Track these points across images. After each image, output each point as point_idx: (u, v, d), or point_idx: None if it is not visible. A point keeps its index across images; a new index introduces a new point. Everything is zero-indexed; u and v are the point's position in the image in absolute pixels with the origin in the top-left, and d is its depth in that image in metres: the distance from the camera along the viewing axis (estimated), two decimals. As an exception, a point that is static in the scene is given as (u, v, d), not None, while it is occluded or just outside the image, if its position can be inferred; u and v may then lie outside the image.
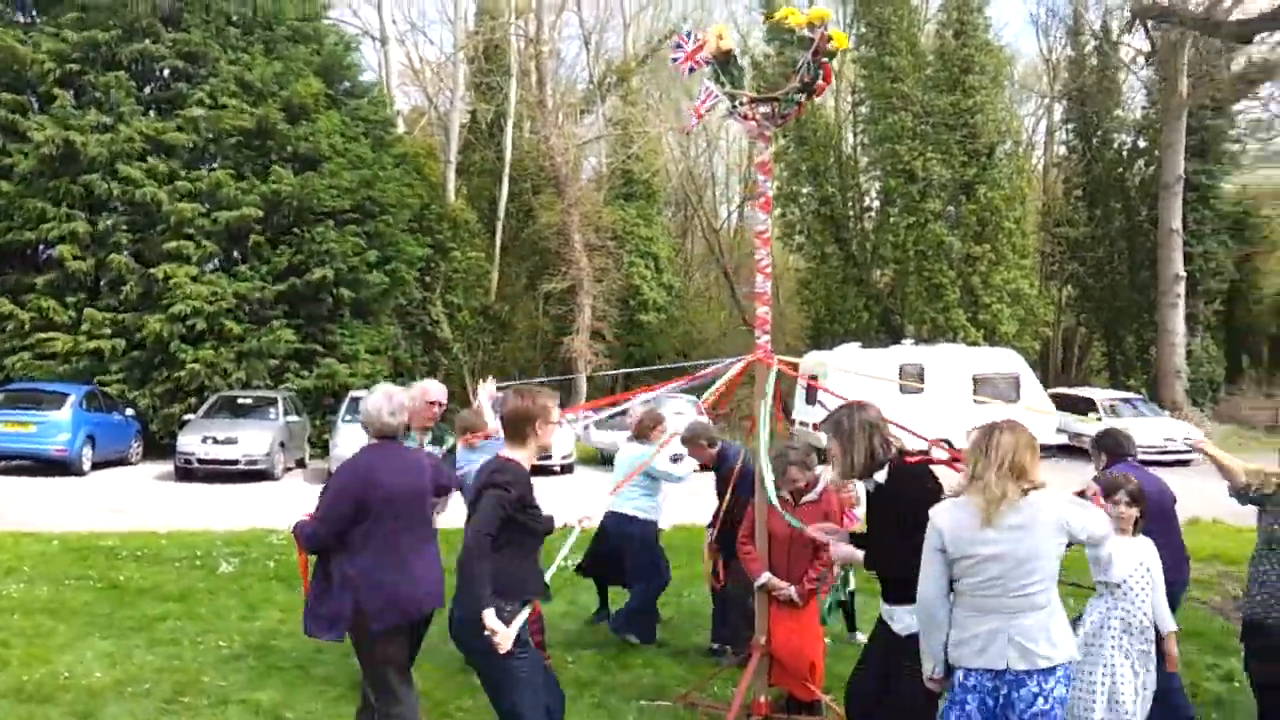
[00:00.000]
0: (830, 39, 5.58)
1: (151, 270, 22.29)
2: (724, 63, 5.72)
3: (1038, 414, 21.58)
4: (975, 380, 23.76)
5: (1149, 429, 22.87)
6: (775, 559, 5.79)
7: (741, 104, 5.73)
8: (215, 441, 18.94)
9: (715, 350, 32.43)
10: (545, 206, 32.72)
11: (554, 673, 4.69)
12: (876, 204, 35.49)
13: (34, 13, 24.47)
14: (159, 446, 21.53)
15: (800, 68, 5.62)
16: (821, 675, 5.73)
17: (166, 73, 24.45)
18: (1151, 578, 4.95)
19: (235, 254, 24.18)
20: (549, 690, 4.52)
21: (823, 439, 4.70)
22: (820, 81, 5.69)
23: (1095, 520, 4.20)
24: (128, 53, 23.26)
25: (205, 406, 20.76)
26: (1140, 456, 6.47)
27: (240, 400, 20.94)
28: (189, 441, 19.10)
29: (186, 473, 18.92)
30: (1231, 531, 11.79)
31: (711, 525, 7.41)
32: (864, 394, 5.44)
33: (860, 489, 4.87)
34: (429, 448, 6.20)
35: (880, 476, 4.46)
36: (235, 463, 18.76)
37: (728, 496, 7.01)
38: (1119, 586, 4.94)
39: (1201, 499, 10.84)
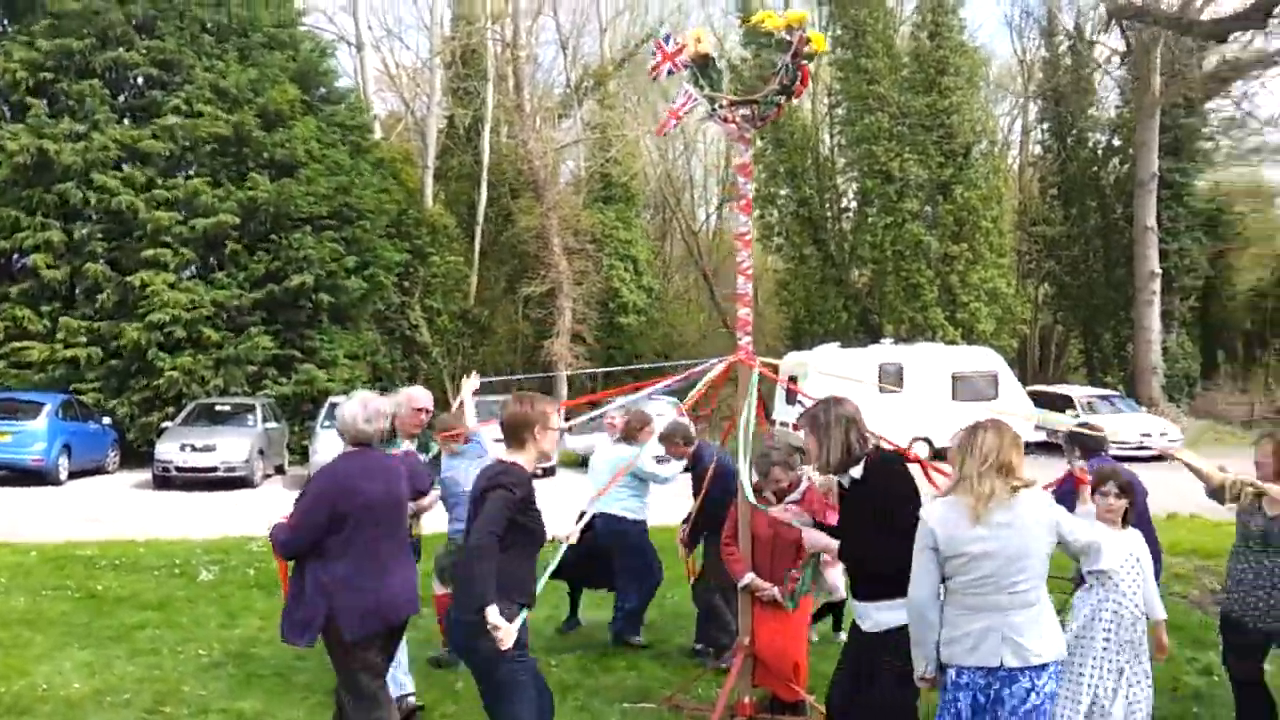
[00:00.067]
0: (808, 41, 5.60)
1: (128, 278, 22.17)
2: (703, 66, 5.72)
3: (1015, 414, 21.72)
4: (954, 379, 23.90)
5: (1127, 425, 23.06)
6: (758, 560, 5.80)
7: (721, 107, 5.74)
8: (193, 449, 18.85)
9: (695, 352, 32.46)
10: (524, 210, 32.68)
11: (542, 675, 4.69)
12: (854, 205, 35.61)
13: (5, 22, 24.33)
14: (136, 455, 21.41)
15: (779, 70, 5.63)
16: (805, 675, 5.74)
17: (141, 80, 24.31)
18: (1141, 568, 4.98)
19: (212, 261, 24.07)
20: (540, 693, 4.52)
21: (802, 436, 4.73)
22: (798, 84, 5.70)
23: (1085, 529, 4.27)
24: (101, 60, 23.13)
25: (183, 414, 20.65)
26: (1117, 452, 6.56)
27: (218, 407, 20.86)
28: (167, 449, 19.00)
29: (164, 481, 18.83)
30: (1209, 526, 11.88)
31: (685, 522, 7.43)
32: (843, 393, 5.44)
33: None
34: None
35: (856, 471, 4.46)
36: (214, 470, 18.68)
37: (701, 495, 7.04)
38: (1110, 579, 4.94)
39: (1179, 494, 10.90)
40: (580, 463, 20.80)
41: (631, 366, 26.56)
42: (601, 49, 39.17)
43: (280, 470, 21.16)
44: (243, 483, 18.85)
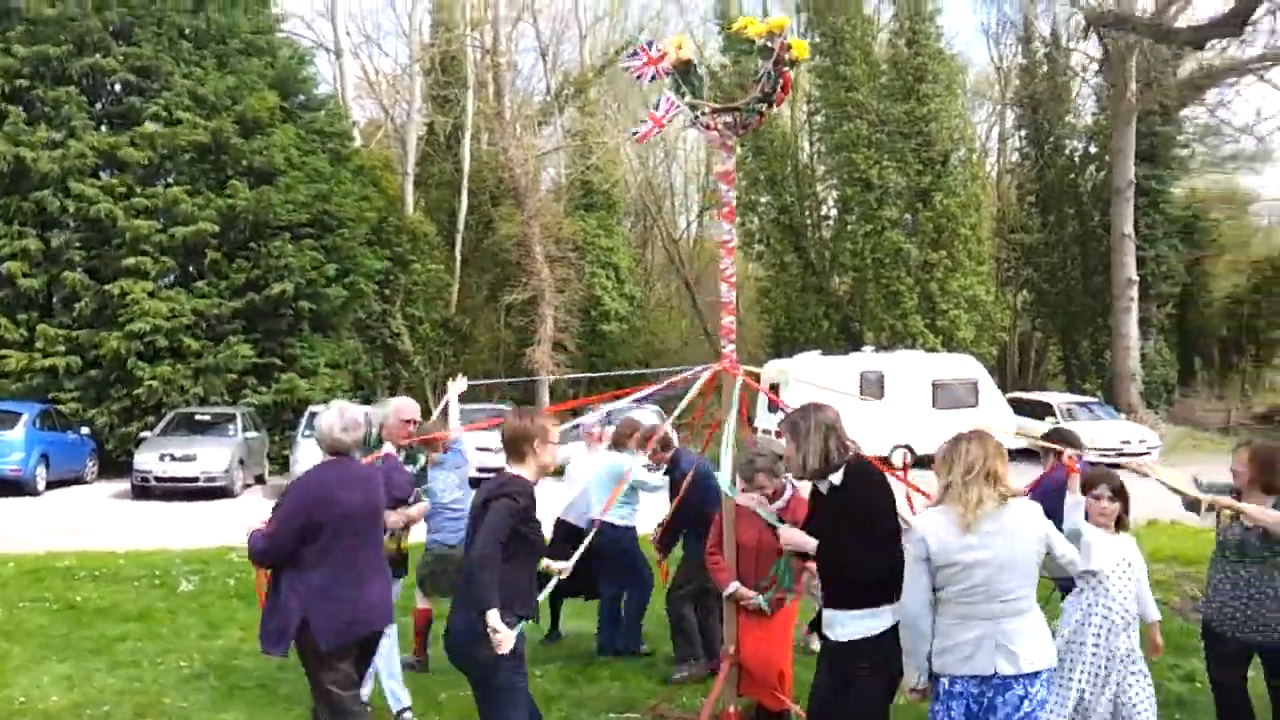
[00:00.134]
0: (790, 48, 5.60)
1: (106, 287, 22.04)
2: (684, 72, 5.72)
3: (997, 425, 21.86)
4: (934, 386, 24.01)
5: (1105, 432, 23.24)
6: (743, 569, 5.78)
7: (703, 114, 5.74)
8: (173, 459, 18.74)
9: (677, 359, 32.49)
10: (505, 218, 32.63)
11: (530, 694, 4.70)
12: (834, 212, 35.77)
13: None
14: (115, 465, 21.26)
15: (760, 77, 5.64)
16: (790, 684, 5.73)
17: (118, 87, 24.17)
18: (1134, 573, 4.97)
19: (191, 270, 23.95)
20: (530, 716, 4.54)
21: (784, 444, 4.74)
22: (780, 91, 5.71)
23: (1073, 550, 4.31)
24: (78, 67, 23.00)
25: (162, 424, 20.52)
26: (1097, 459, 6.61)
27: (198, 417, 20.73)
28: (146, 459, 18.87)
29: (143, 491, 18.69)
30: (1190, 532, 11.92)
31: (660, 527, 7.43)
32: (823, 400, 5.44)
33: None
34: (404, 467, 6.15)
35: (836, 478, 4.46)
36: (194, 480, 18.57)
37: (678, 499, 7.05)
38: (1099, 582, 4.90)
39: (1160, 501, 10.95)
40: (557, 471, 20.76)
41: (614, 373, 26.59)
42: (581, 56, 39.19)
43: (261, 480, 21.04)
44: (223, 493, 18.73)
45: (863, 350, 26.21)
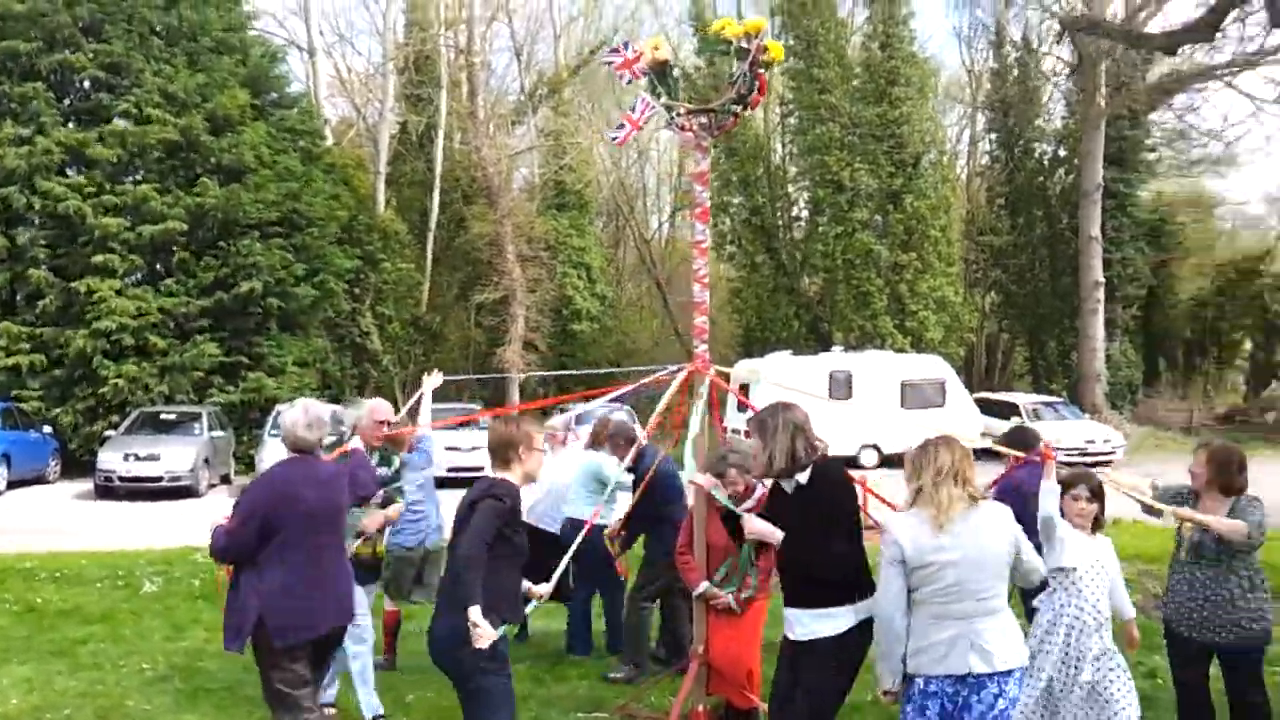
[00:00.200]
0: (766, 50, 5.60)
1: (73, 284, 21.81)
2: (660, 73, 5.72)
3: (965, 427, 22.04)
4: (903, 386, 24.16)
5: (1071, 431, 23.47)
6: (713, 568, 5.78)
7: (679, 115, 5.73)
8: (137, 458, 18.56)
9: (648, 359, 32.47)
10: (477, 217, 32.52)
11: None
12: (805, 214, 35.87)
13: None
14: (79, 464, 21.05)
15: (736, 78, 5.64)
16: (759, 682, 5.73)
17: (87, 84, 23.91)
18: (1107, 575, 4.94)
19: (159, 268, 23.73)
20: None
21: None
22: (756, 92, 5.71)
23: (1038, 560, 4.33)
24: (47, 63, 22.75)
25: (127, 422, 20.32)
26: (1063, 458, 6.67)
27: (163, 416, 20.54)
28: (110, 458, 18.68)
29: (107, 491, 18.50)
30: (1153, 531, 12.03)
31: (619, 522, 7.41)
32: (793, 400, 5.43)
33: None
34: (379, 469, 6.08)
35: (803, 477, 4.46)
36: (158, 480, 18.41)
37: (638, 495, 7.04)
38: (1071, 582, 4.87)
39: (1122, 500, 11.05)
40: None
41: (585, 372, 26.55)
42: (555, 56, 39.11)
43: (227, 480, 20.87)
44: (188, 492, 18.57)
45: (832, 350, 26.32)
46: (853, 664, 4.45)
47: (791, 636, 4.52)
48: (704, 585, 5.72)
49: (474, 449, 20.43)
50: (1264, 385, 38.21)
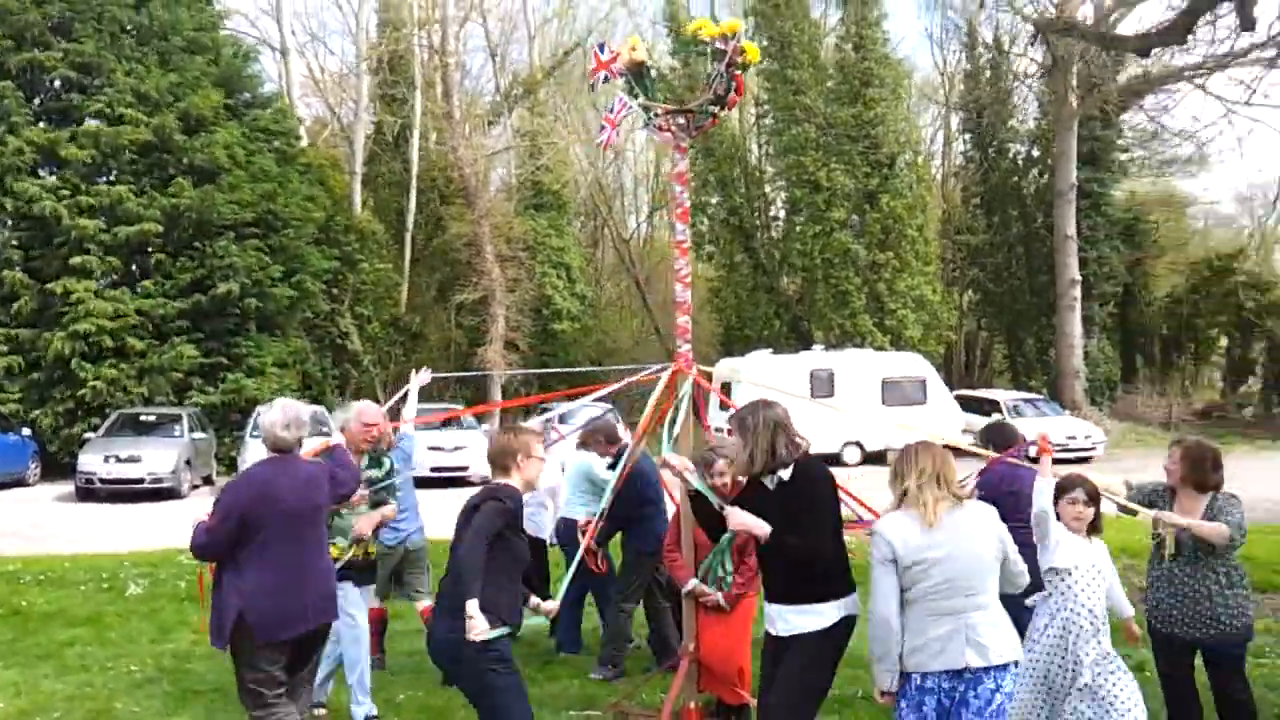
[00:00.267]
0: (742, 51, 5.64)
1: (49, 286, 21.67)
2: (637, 74, 5.75)
3: (946, 424, 22.24)
4: (884, 384, 24.32)
5: (1052, 427, 23.60)
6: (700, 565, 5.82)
7: (656, 115, 5.77)
8: (118, 460, 18.47)
9: (628, 359, 32.51)
10: (455, 217, 32.45)
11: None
12: (783, 213, 35.99)
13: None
14: (59, 467, 20.91)
15: (713, 79, 5.68)
16: (750, 679, 5.79)
17: (57, 84, 23.74)
18: (1104, 578, 4.90)
19: (135, 269, 23.60)
20: None
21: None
22: (733, 93, 5.75)
23: (1023, 565, 4.36)
24: (16, 62, 22.57)
25: (106, 424, 20.21)
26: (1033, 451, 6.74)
27: (143, 418, 20.45)
28: (90, 461, 18.58)
29: (88, 493, 18.41)
30: (1136, 524, 12.17)
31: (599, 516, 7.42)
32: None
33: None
34: (367, 471, 6.09)
35: (785, 474, 4.49)
36: (139, 481, 18.32)
37: (614, 492, 7.02)
38: (1070, 586, 4.80)
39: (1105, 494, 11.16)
40: None
41: (569, 370, 26.56)
42: (530, 56, 39.10)
43: (209, 481, 20.77)
44: (170, 494, 18.48)
45: (813, 349, 26.45)
46: (834, 658, 4.49)
47: (773, 632, 4.55)
48: (693, 582, 5.76)
49: (457, 449, 20.44)
50: (1240, 381, 38.59)
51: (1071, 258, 31.56)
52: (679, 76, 32.51)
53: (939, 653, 4.07)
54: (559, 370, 26.32)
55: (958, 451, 5.27)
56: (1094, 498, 5.00)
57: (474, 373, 28.13)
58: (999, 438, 6.42)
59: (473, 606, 4.22)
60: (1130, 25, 24.51)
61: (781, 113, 32.66)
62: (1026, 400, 26.70)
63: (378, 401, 7.49)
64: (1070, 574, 4.82)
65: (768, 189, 36.28)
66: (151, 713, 6.32)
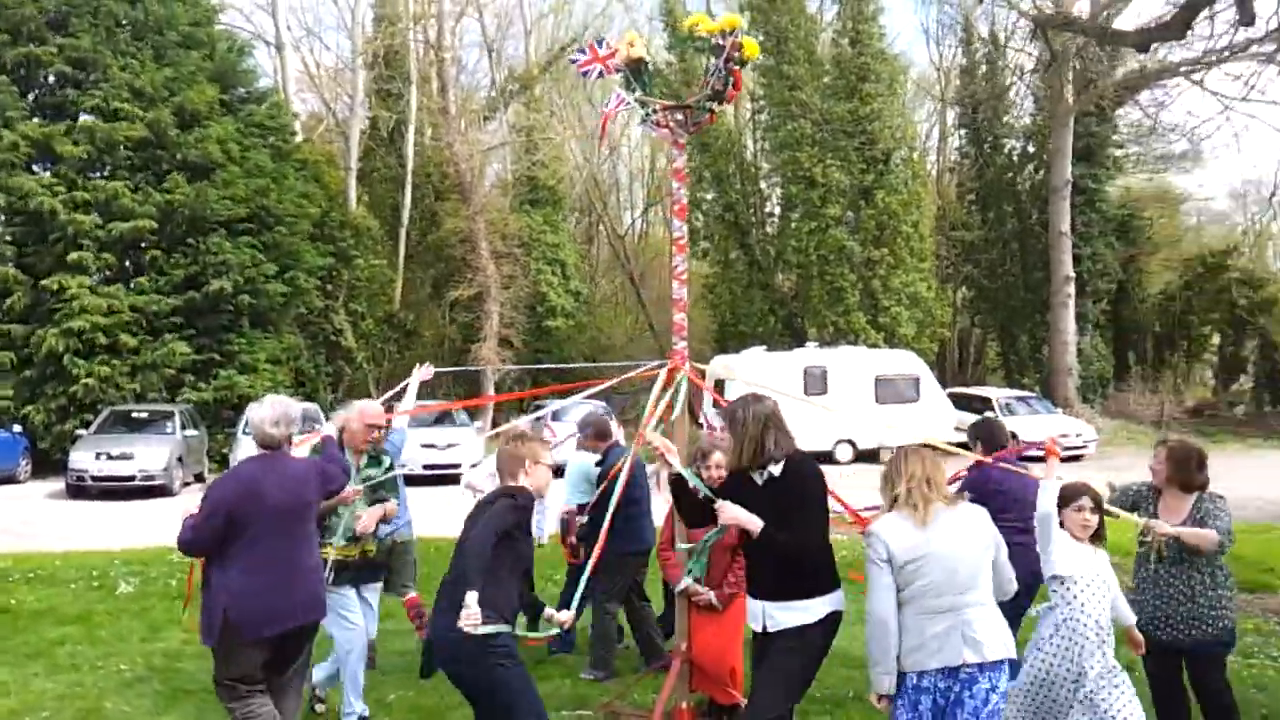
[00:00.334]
0: (741, 47, 5.61)
1: (43, 282, 21.60)
2: (635, 70, 5.71)
3: (939, 421, 22.29)
4: (877, 381, 24.33)
5: (1043, 425, 23.64)
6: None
7: (655, 111, 5.74)
8: (109, 457, 18.41)
9: (623, 355, 32.51)
10: (450, 213, 32.41)
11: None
12: (778, 209, 35.96)
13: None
14: (50, 463, 20.84)
15: (712, 74, 5.65)
16: (742, 679, 5.77)
17: (52, 79, 23.64)
18: (1108, 587, 4.81)
19: (129, 265, 23.52)
20: None
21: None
22: (731, 89, 5.72)
23: (1011, 571, 4.37)
24: (12, 56, 22.48)
25: (98, 421, 20.14)
26: (1034, 452, 6.75)
27: (135, 414, 20.38)
28: (81, 458, 18.53)
29: (79, 490, 18.35)
30: (1124, 524, 12.18)
31: (581, 510, 7.36)
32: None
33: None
34: (366, 470, 6.05)
35: (776, 469, 4.47)
36: (131, 479, 18.26)
37: (599, 491, 7.00)
38: (1075, 596, 4.72)
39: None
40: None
41: (564, 366, 26.54)
42: (526, 52, 39.04)
43: (200, 478, 20.70)
44: (162, 491, 18.42)
45: (806, 346, 26.44)
46: (821, 652, 4.49)
47: (757, 628, 4.54)
48: (686, 581, 5.74)
49: (450, 446, 20.41)
50: (1233, 379, 38.60)
51: (1066, 254, 31.58)
52: (675, 72, 32.45)
53: (936, 650, 4.08)
54: (556, 366, 26.30)
55: (952, 453, 5.27)
56: (1100, 506, 4.96)
57: (471, 368, 28.09)
58: (986, 435, 6.46)
59: (471, 598, 4.26)
60: (1126, 20, 24.53)
61: (777, 108, 32.63)
62: (1019, 398, 26.73)
63: (369, 398, 7.44)
64: (1075, 582, 4.74)
65: (763, 185, 36.25)
66: (142, 712, 6.29)
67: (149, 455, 18.60)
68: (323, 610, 5.06)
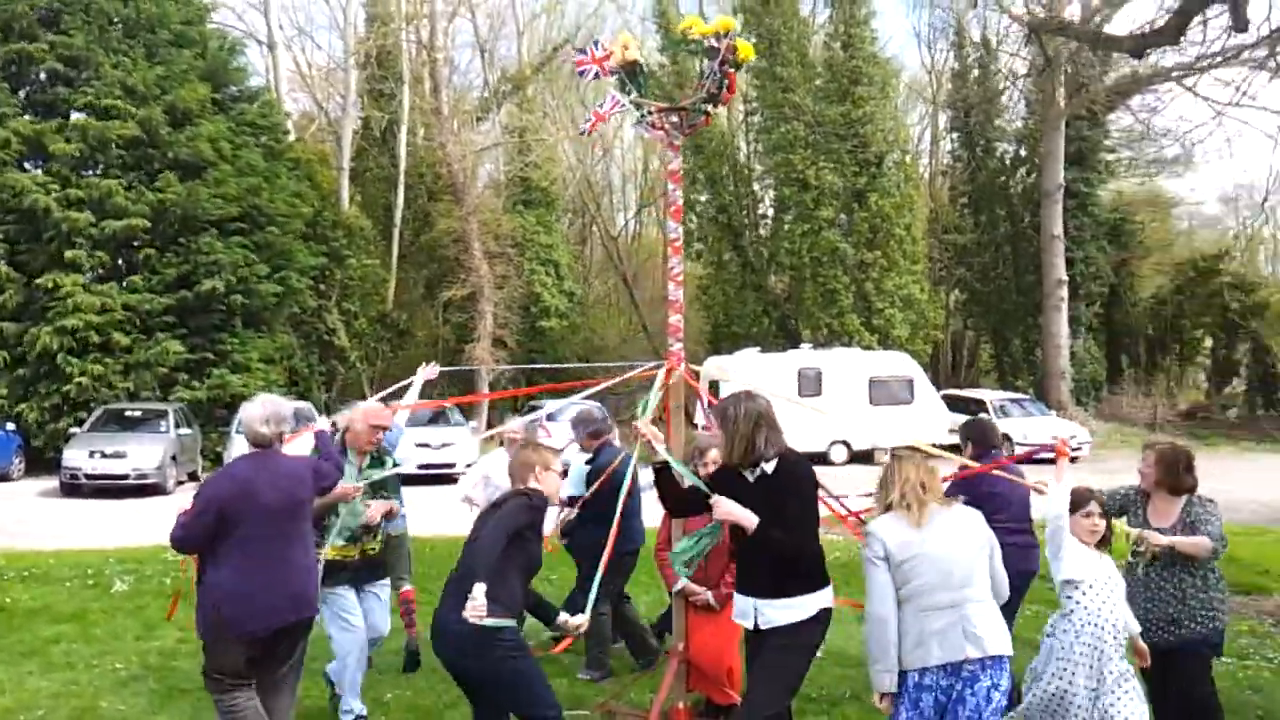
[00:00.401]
0: (736, 49, 5.62)
1: (37, 280, 21.54)
2: (631, 72, 5.73)
3: (932, 423, 22.34)
4: (871, 383, 24.38)
5: (1037, 428, 23.75)
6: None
7: (650, 114, 5.75)
8: (103, 456, 18.34)
9: (616, 356, 32.51)
10: (443, 214, 32.41)
11: None
12: (771, 211, 35.99)
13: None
14: (44, 462, 20.78)
15: (706, 77, 5.66)
16: (739, 679, 5.78)
17: (44, 76, 23.57)
18: (1118, 592, 4.78)
19: (121, 264, 23.47)
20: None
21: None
22: (725, 91, 5.73)
23: (1003, 574, 4.39)
24: (4, 53, 22.47)
25: (91, 419, 20.08)
26: (1043, 455, 6.78)
27: (128, 413, 20.32)
28: (75, 456, 18.46)
29: (73, 488, 18.28)
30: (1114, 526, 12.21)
31: (572, 503, 7.35)
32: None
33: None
34: (369, 470, 6.03)
35: (769, 467, 4.47)
36: (125, 477, 18.20)
37: (591, 491, 6.98)
38: (1090, 601, 4.65)
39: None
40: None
41: (559, 366, 26.55)
42: (519, 52, 39.04)
43: (194, 477, 20.62)
44: (155, 490, 18.37)
45: (800, 348, 26.48)
46: (811, 650, 4.51)
47: (748, 625, 4.55)
48: (682, 581, 5.76)
49: (444, 445, 20.39)
50: (1225, 382, 38.74)
51: (1058, 258, 31.68)
52: (668, 73, 32.49)
53: (938, 646, 4.11)
54: (551, 367, 26.31)
55: (933, 454, 5.30)
56: (1107, 512, 4.97)
57: (465, 368, 28.07)
58: (978, 434, 6.50)
59: (479, 589, 4.29)
60: (1119, 24, 24.59)
61: (770, 110, 32.68)
62: (1012, 400, 26.80)
63: (363, 398, 7.46)
64: (1091, 586, 4.68)
65: (756, 187, 36.30)
66: (137, 710, 6.28)
67: (142, 454, 18.55)
68: (314, 608, 5.07)
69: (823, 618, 4.46)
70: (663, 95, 25.02)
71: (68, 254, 21.68)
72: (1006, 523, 5.54)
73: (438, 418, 21.69)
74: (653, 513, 6.07)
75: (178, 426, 20.12)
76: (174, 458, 19.27)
